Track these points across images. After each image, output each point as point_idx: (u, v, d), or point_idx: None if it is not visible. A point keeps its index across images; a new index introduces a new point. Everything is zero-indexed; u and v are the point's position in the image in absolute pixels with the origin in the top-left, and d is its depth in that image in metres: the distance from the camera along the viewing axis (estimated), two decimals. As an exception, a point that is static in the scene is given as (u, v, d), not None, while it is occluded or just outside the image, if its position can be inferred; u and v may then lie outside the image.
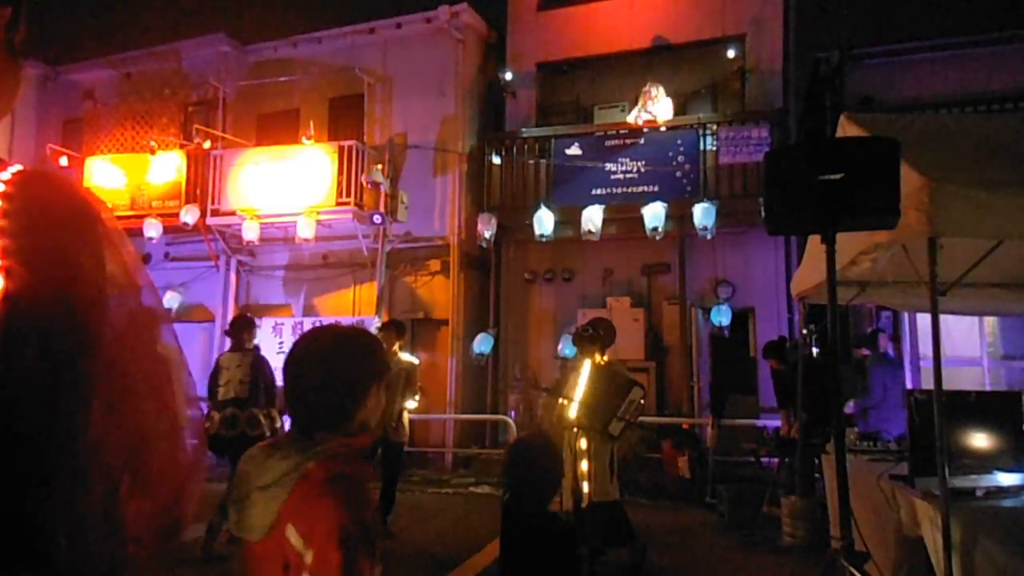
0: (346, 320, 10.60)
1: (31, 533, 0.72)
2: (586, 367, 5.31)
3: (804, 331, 6.55)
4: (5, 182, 0.77)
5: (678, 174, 9.88)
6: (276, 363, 10.90)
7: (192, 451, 0.89)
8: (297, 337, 1.72)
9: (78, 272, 0.77)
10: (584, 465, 5.09)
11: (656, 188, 9.81)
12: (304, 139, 10.95)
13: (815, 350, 6.98)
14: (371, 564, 1.37)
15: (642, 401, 5.12)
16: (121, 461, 0.78)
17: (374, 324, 9.89)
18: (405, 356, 6.46)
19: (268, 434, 5.88)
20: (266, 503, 1.37)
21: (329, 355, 1.53)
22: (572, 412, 5.23)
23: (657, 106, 10.06)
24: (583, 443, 5.13)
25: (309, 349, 1.55)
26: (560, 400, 5.37)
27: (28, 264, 0.72)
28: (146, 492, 0.81)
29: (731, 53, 10.47)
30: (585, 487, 5.06)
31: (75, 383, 0.74)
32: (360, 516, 1.36)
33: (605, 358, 5.37)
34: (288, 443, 1.44)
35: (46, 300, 0.73)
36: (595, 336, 5.39)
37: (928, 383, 6.51)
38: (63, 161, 12.39)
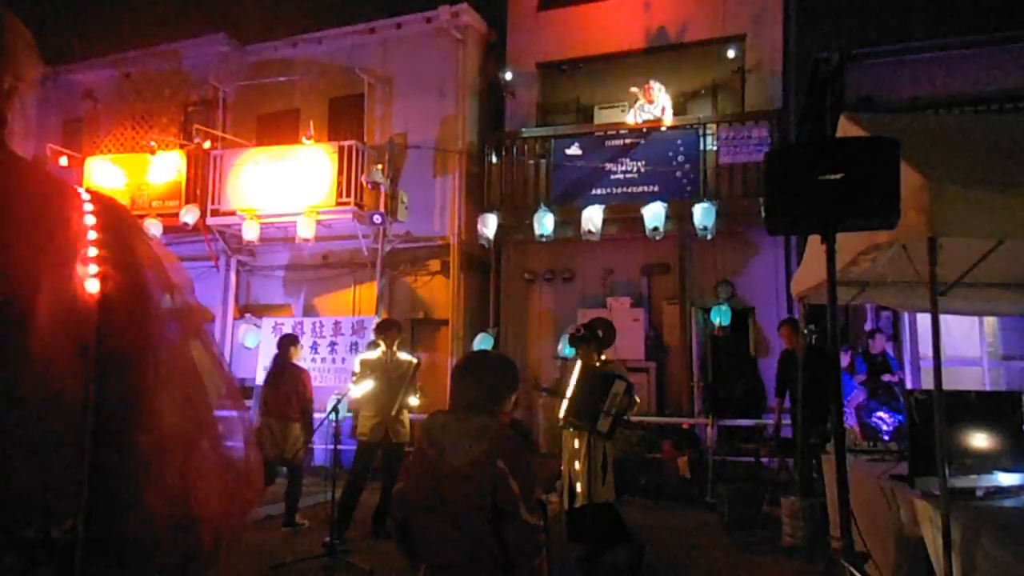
0: (346, 320, 10.60)
1: (110, 519, 0.77)
2: (577, 367, 5.32)
3: (805, 331, 6.55)
4: (91, 201, 0.88)
5: (678, 174, 9.88)
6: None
7: (248, 439, 0.95)
8: (465, 357, 2.79)
9: (153, 277, 0.87)
10: (577, 465, 5.09)
11: (656, 188, 9.80)
12: (304, 139, 10.95)
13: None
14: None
15: (627, 395, 5.08)
16: (185, 444, 0.84)
17: (373, 323, 9.89)
18: (404, 355, 6.46)
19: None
20: (471, 443, 2.30)
21: (494, 371, 2.56)
22: (561, 411, 5.23)
23: (657, 104, 10.06)
24: (576, 444, 5.13)
25: (480, 365, 2.61)
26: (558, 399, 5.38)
27: (120, 270, 0.82)
28: (211, 475, 0.86)
29: (731, 53, 10.47)
30: (578, 487, 5.05)
31: (153, 374, 0.82)
32: (528, 456, 2.44)
33: (603, 358, 5.36)
34: (472, 414, 2.40)
35: (134, 302, 0.82)
36: (588, 337, 5.38)
37: (928, 383, 6.50)
38: (63, 161, 12.39)
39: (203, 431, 0.87)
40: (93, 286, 0.79)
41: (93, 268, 0.80)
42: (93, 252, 0.80)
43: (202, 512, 0.84)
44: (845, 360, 7.63)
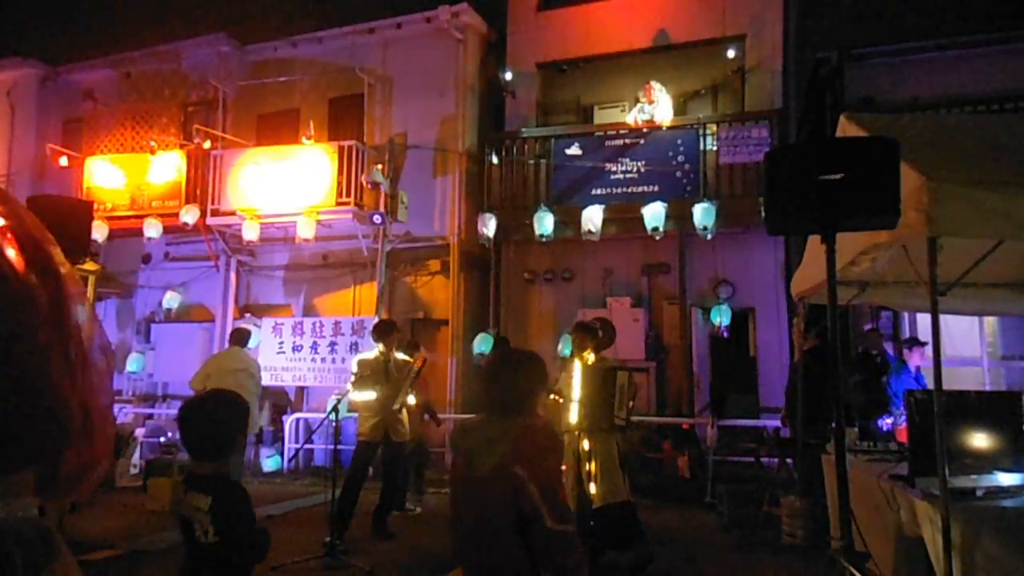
0: (346, 320, 10.60)
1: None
2: (576, 368, 5.25)
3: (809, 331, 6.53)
4: None
5: (678, 174, 9.88)
6: (275, 363, 10.92)
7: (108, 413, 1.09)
8: (489, 355, 2.69)
9: (42, 234, 0.98)
10: (591, 466, 5.03)
11: (656, 188, 9.80)
12: (304, 139, 10.95)
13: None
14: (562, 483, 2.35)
15: (631, 383, 5.08)
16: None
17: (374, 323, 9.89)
18: (402, 356, 6.47)
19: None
20: (494, 449, 2.25)
21: (517, 369, 2.45)
22: (572, 415, 5.16)
23: (657, 104, 10.05)
24: (587, 444, 5.08)
25: (502, 364, 2.49)
26: (554, 399, 5.34)
27: (24, 233, 0.92)
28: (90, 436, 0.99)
29: (731, 53, 10.46)
30: (592, 488, 5.00)
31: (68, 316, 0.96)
32: (552, 459, 2.31)
33: (593, 356, 5.33)
34: (497, 419, 2.35)
35: (43, 260, 0.94)
36: (596, 330, 5.36)
37: (928, 383, 6.51)
38: (63, 161, 12.39)
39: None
40: (13, 253, 0.90)
41: (8, 234, 0.91)
42: (1, 222, 0.91)
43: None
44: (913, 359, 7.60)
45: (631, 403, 5.21)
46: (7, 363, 0.85)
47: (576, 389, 5.19)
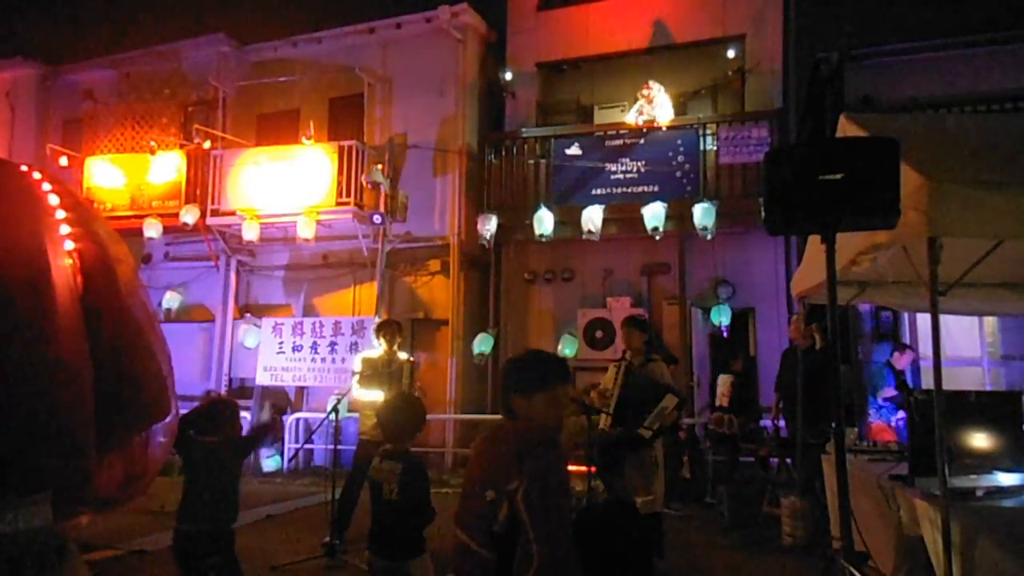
0: (346, 320, 10.59)
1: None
2: (619, 371, 5.04)
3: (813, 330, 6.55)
4: (52, 183, 1.04)
5: (678, 174, 9.88)
6: (275, 363, 10.91)
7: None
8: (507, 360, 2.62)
9: (110, 244, 1.05)
10: None
11: (656, 188, 9.80)
12: (304, 139, 10.95)
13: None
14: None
15: (677, 410, 4.73)
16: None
17: (374, 324, 9.89)
18: (403, 355, 6.47)
19: None
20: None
21: (506, 371, 2.52)
22: (601, 423, 4.97)
23: (657, 105, 10.05)
24: None
25: (511, 365, 2.51)
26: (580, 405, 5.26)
27: (92, 243, 0.97)
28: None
29: (731, 53, 10.47)
30: None
31: (124, 319, 1.06)
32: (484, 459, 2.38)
33: (641, 356, 5.18)
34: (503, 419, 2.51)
35: (102, 268, 0.99)
36: (646, 326, 5.20)
37: (928, 383, 6.50)
38: (63, 161, 12.39)
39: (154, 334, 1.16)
40: (72, 257, 0.94)
41: (69, 244, 0.95)
42: (66, 229, 0.96)
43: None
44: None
45: (662, 424, 4.83)
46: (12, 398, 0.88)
47: (612, 391, 4.97)
